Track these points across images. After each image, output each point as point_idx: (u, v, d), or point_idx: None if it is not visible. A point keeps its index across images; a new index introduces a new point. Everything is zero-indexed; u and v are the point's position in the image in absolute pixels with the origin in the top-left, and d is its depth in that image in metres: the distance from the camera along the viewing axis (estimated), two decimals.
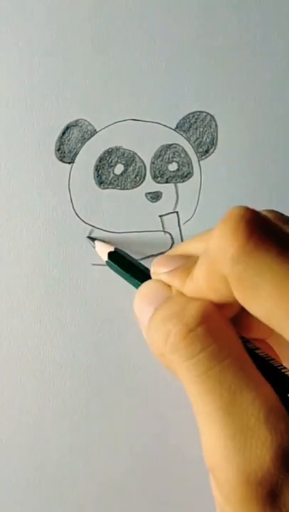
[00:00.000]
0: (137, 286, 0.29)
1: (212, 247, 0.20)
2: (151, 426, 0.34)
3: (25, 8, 0.32)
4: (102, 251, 0.32)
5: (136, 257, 0.34)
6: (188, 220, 0.34)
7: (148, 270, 0.29)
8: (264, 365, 0.22)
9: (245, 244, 0.19)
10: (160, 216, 0.34)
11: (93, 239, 0.33)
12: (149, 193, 0.33)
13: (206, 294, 0.22)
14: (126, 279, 0.30)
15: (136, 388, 0.34)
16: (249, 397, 0.20)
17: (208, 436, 0.21)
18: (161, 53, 0.33)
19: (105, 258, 0.32)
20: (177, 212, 0.34)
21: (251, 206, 0.34)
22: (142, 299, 0.25)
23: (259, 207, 0.34)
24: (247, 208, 0.20)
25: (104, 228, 0.33)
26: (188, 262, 0.24)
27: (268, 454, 0.19)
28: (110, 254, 0.32)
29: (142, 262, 0.33)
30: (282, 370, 0.22)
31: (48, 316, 0.33)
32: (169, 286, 0.25)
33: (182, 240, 0.34)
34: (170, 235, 0.34)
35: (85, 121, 0.33)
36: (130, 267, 0.30)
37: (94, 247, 0.33)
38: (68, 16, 0.32)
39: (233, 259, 0.20)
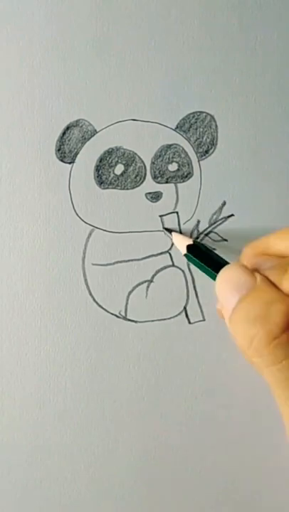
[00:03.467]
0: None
1: None
2: (151, 425, 0.34)
3: (25, 8, 0.32)
4: (180, 243, 0.32)
5: (136, 257, 0.34)
6: (189, 219, 0.34)
7: (227, 262, 0.29)
8: None
9: None
10: (160, 216, 0.34)
11: (170, 230, 0.33)
12: (150, 193, 0.33)
13: None
14: (205, 272, 0.30)
15: (136, 388, 0.34)
16: None
17: None
18: (161, 53, 0.33)
19: (184, 251, 0.32)
20: (177, 213, 0.34)
21: (251, 206, 0.34)
22: (225, 282, 0.25)
23: (259, 207, 0.34)
24: None
25: (104, 228, 0.33)
26: (285, 260, 0.25)
27: None
28: (189, 247, 0.32)
29: (142, 262, 0.34)
30: None
31: (48, 316, 0.33)
32: (252, 272, 0.25)
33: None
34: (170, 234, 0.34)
35: (86, 121, 0.33)
36: (210, 259, 0.30)
37: (171, 238, 0.33)
38: (69, 16, 0.32)
39: None
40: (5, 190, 0.33)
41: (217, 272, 0.28)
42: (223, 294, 0.25)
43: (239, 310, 0.23)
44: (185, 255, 0.32)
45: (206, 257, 0.31)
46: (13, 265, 0.33)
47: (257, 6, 0.33)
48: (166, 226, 0.34)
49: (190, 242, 0.32)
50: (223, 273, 0.26)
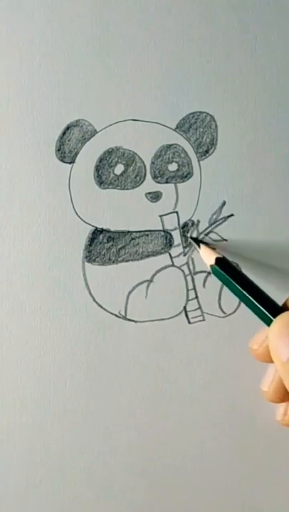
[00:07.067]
0: (242, 298, 0.30)
1: None
2: (151, 425, 0.34)
3: (25, 8, 0.32)
4: (207, 256, 0.32)
5: (136, 256, 0.34)
6: (188, 219, 0.34)
7: (254, 284, 0.30)
8: None
9: None
10: (160, 216, 0.34)
11: (198, 241, 0.33)
12: (149, 193, 0.33)
13: None
14: (231, 289, 0.30)
15: (136, 388, 0.34)
16: None
17: None
18: (161, 53, 0.33)
19: (210, 262, 0.31)
20: (177, 212, 0.34)
21: (251, 206, 0.34)
22: (284, 330, 0.26)
23: (259, 207, 0.34)
24: None
25: (104, 228, 0.33)
26: None
27: None
28: (217, 260, 0.31)
29: (142, 262, 0.34)
30: None
31: (48, 316, 0.33)
32: None
33: (182, 240, 0.34)
34: (170, 234, 0.34)
35: (86, 121, 0.33)
36: (238, 278, 0.30)
37: (198, 251, 0.33)
38: (69, 17, 0.32)
39: None
40: (5, 190, 0.33)
41: (244, 289, 0.29)
42: (279, 340, 0.26)
43: None
44: (211, 267, 0.31)
45: (235, 277, 0.30)
46: (13, 265, 0.33)
47: (257, 6, 0.33)
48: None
49: (219, 255, 0.32)
50: (282, 319, 0.27)
